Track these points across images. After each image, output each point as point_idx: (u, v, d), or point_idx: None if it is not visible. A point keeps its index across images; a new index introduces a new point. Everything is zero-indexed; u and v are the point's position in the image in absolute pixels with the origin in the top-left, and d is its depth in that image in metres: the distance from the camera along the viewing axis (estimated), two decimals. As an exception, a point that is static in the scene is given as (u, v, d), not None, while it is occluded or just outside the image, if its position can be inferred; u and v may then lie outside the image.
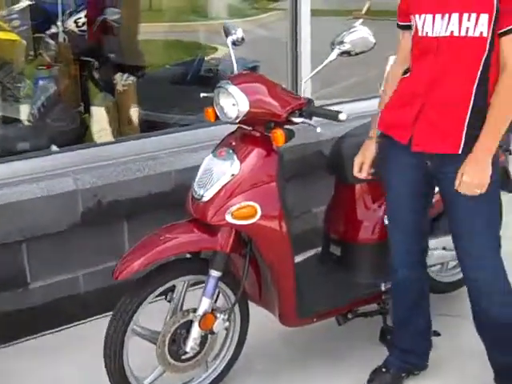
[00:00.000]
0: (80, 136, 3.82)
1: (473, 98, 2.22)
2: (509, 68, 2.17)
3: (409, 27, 2.38)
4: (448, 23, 2.20)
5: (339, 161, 2.83)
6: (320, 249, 3.10)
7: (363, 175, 2.58)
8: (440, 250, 2.98)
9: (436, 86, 2.27)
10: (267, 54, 4.78)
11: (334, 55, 2.27)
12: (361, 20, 6.79)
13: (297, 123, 2.37)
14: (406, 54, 2.43)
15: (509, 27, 2.14)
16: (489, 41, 2.17)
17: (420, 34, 2.29)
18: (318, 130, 2.28)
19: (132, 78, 3.75)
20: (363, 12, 7.66)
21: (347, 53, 2.27)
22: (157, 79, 4.65)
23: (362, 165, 2.57)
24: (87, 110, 4.11)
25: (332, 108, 2.90)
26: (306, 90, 2.54)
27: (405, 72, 2.44)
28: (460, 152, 2.26)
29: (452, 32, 2.20)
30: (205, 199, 2.39)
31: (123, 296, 2.39)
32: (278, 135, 2.32)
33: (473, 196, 2.25)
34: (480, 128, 2.23)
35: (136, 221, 3.22)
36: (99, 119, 3.71)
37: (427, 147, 2.32)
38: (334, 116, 2.29)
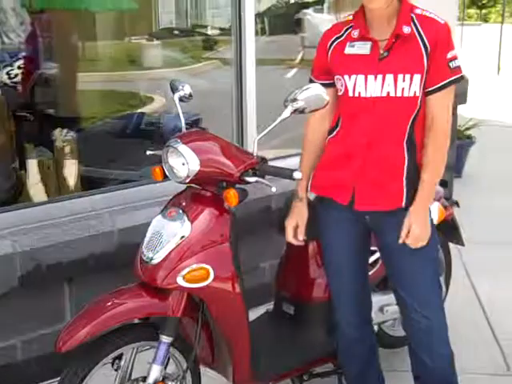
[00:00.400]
0: (16, 195, 3.65)
1: (406, 153, 2.30)
2: (438, 124, 2.28)
3: (327, 85, 2.36)
4: (383, 84, 2.25)
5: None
6: (271, 306, 3.02)
7: (300, 239, 2.55)
8: (393, 305, 2.94)
9: (373, 144, 2.30)
10: (207, 105, 4.74)
11: (287, 113, 2.23)
12: (295, 69, 6.88)
13: (250, 182, 2.31)
14: (325, 111, 2.36)
15: (437, 85, 2.25)
16: (419, 99, 2.27)
17: (351, 94, 2.31)
18: (273, 189, 2.23)
19: (72, 134, 3.64)
20: (297, 61, 7.76)
21: (301, 110, 2.23)
22: (97, 133, 4.56)
23: (296, 229, 2.54)
24: (23, 167, 3.96)
25: (280, 163, 2.86)
26: (255, 146, 2.48)
27: (331, 131, 2.44)
28: (402, 206, 2.31)
29: (388, 93, 2.25)
30: (154, 262, 2.28)
31: (66, 368, 2.24)
32: (231, 195, 2.26)
33: (411, 248, 2.30)
34: (415, 182, 2.30)
35: (79, 284, 3.08)
36: (37, 177, 3.56)
37: (371, 206, 2.35)
38: (288, 175, 2.25)
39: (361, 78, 2.27)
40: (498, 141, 7.79)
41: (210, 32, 7.63)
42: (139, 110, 5.28)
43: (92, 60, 5.94)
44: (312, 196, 2.54)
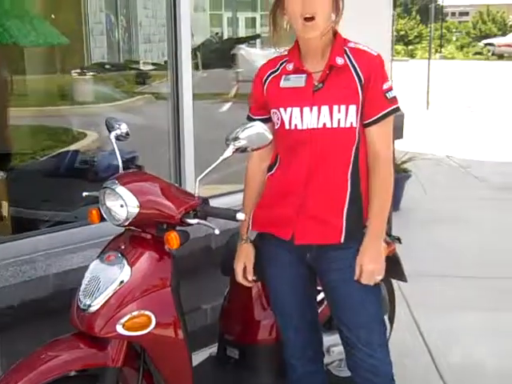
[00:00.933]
0: None
1: (349, 187, 2.29)
2: (382, 155, 2.29)
3: (265, 120, 2.34)
4: (318, 116, 2.24)
5: (233, 260, 2.69)
6: (215, 350, 2.93)
7: (250, 279, 2.51)
8: (340, 345, 2.89)
9: (313, 177, 2.29)
10: (141, 141, 4.65)
11: (229, 152, 2.18)
12: (230, 103, 6.88)
13: (192, 224, 2.23)
14: (264, 150, 2.35)
15: (375, 117, 2.26)
16: (357, 130, 2.26)
17: (287, 126, 2.29)
18: (217, 232, 2.16)
19: (1, 174, 3.48)
20: (232, 95, 7.77)
21: (243, 149, 2.18)
22: (29, 172, 4.39)
23: (244, 270, 2.50)
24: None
25: (221, 200, 2.80)
26: (197, 186, 2.40)
27: (270, 168, 2.42)
28: (342, 241, 2.30)
29: (324, 124, 2.24)
30: (92, 310, 2.17)
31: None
32: (172, 238, 2.17)
33: (355, 284, 2.30)
34: (359, 214, 2.31)
35: (10, 334, 2.90)
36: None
37: (310, 239, 2.33)
38: (231, 216, 2.19)
39: (296, 110, 2.26)
40: (433, 174, 7.95)
41: (142, 67, 7.58)
42: (72, 146, 5.15)
43: (22, 95, 5.80)
44: (253, 234, 2.49)
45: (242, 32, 8.22)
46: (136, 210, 2.17)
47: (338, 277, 2.36)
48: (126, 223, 2.22)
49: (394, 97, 2.29)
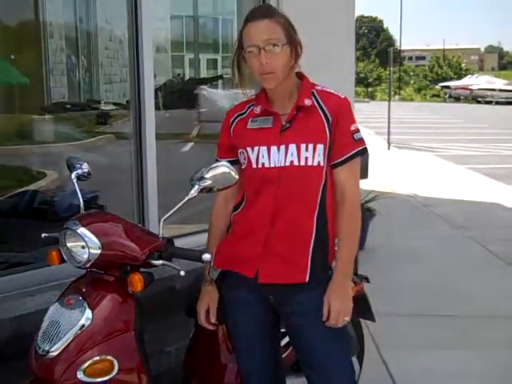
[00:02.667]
0: None
1: (315, 226, 2.28)
2: (349, 196, 2.28)
3: (234, 163, 2.33)
4: (286, 154, 2.24)
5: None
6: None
7: (213, 321, 2.45)
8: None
9: (279, 216, 2.27)
10: (102, 181, 4.59)
11: (194, 192, 2.14)
12: (192, 143, 6.86)
13: (156, 266, 2.17)
14: (230, 193, 2.37)
15: (342, 157, 2.27)
16: (324, 170, 2.27)
17: (254, 165, 2.29)
18: (182, 273, 2.11)
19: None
20: (193, 135, 7.78)
21: (209, 189, 2.14)
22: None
23: (207, 313, 2.44)
24: None
25: (183, 240, 2.75)
26: (161, 226, 2.34)
27: (236, 207, 2.40)
28: (306, 281, 2.26)
29: (292, 162, 2.24)
30: (51, 355, 2.10)
31: None
32: (136, 280, 2.11)
33: (320, 327, 2.26)
34: (324, 255, 2.30)
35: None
36: None
37: (274, 278, 2.29)
38: (196, 257, 2.15)
39: (263, 149, 2.27)
40: (396, 212, 8.02)
41: (103, 107, 7.54)
42: (31, 186, 5.04)
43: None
44: (215, 274, 2.44)
45: (204, 73, 8.27)
46: (98, 252, 2.12)
47: (302, 321, 2.31)
48: (88, 265, 2.16)
49: (361, 138, 2.30)
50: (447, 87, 43.74)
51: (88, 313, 2.12)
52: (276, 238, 2.27)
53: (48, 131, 6.40)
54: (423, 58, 71.84)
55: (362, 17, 71.04)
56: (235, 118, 2.40)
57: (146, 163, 3.58)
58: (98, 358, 2.10)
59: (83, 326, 2.10)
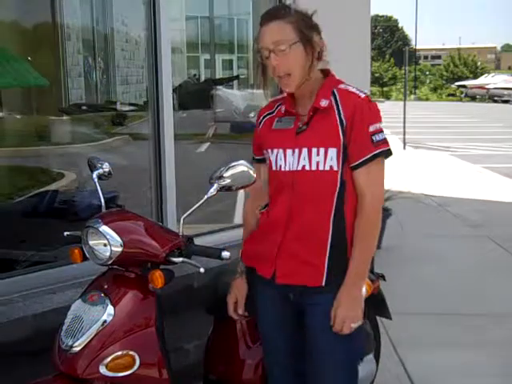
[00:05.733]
0: None
1: (331, 231, 2.24)
2: (367, 199, 2.22)
3: (263, 161, 2.41)
4: (299, 158, 2.24)
5: (218, 299, 2.68)
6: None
7: (240, 312, 2.49)
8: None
9: (294, 219, 2.27)
10: (121, 181, 4.64)
11: (213, 190, 2.18)
12: (208, 143, 6.89)
13: (176, 263, 2.22)
14: (261, 187, 2.42)
15: (360, 160, 2.21)
16: (340, 174, 2.22)
17: (274, 167, 2.32)
18: (202, 270, 2.16)
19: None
20: (209, 135, 7.83)
21: (227, 188, 2.18)
22: (7, 212, 4.34)
23: (235, 304, 2.49)
24: None
25: (202, 239, 2.79)
26: (181, 225, 2.38)
27: (265, 206, 2.43)
28: (323, 284, 2.25)
29: (304, 166, 2.24)
30: (74, 350, 2.14)
31: None
32: (157, 277, 2.16)
33: (328, 333, 2.22)
34: (342, 259, 2.25)
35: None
36: None
37: (291, 279, 2.30)
38: (216, 254, 2.19)
39: (280, 151, 2.29)
40: (412, 212, 8.02)
41: (120, 107, 7.60)
42: (49, 186, 5.11)
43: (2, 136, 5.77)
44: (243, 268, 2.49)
45: (220, 73, 8.31)
46: (120, 249, 2.16)
47: (316, 322, 2.30)
48: (110, 262, 2.20)
49: (382, 139, 2.23)
50: (463, 86, 43.47)
51: (110, 309, 2.17)
52: (292, 240, 2.28)
53: (65, 132, 6.47)
54: (439, 57, 71.48)
55: (377, 16, 70.82)
56: (264, 117, 2.42)
57: (164, 164, 3.62)
58: (119, 353, 2.15)
59: (105, 321, 2.15)
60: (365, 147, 2.20)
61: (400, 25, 73.88)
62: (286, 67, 2.21)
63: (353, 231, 2.25)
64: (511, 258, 6.44)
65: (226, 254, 2.18)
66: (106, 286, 2.24)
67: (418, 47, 56.44)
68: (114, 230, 2.17)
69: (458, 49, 61.49)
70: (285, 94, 2.37)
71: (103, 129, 7.08)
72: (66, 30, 6.43)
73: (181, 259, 2.22)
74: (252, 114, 6.03)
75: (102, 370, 2.13)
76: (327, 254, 2.25)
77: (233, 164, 2.19)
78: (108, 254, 2.18)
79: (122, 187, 4.44)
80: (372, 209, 2.24)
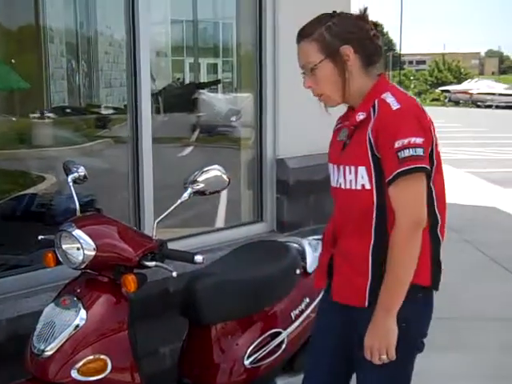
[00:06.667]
0: None
1: (371, 251, 2.11)
2: (398, 223, 2.03)
3: None
4: (338, 174, 2.18)
5: (192, 301, 2.68)
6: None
7: None
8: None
9: (339, 236, 2.23)
10: (101, 185, 4.64)
11: (186, 195, 2.20)
12: (191, 147, 6.90)
13: (149, 267, 2.22)
14: None
15: (388, 178, 2.03)
16: (375, 193, 2.07)
17: (330, 182, 2.27)
18: (174, 274, 2.17)
19: None
20: (193, 139, 7.82)
21: (201, 192, 2.20)
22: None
23: None
24: None
25: (178, 243, 2.80)
26: (155, 229, 2.38)
27: None
28: (366, 305, 2.11)
29: (340, 184, 2.17)
30: (46, 355, 2.16)
31: None
32: (130, 281, 2.18)
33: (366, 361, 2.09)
34: None
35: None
36: None
37: (339, 297, 2.21)
38: (189, 258, 2.20)
39: (331, 166, 2.23)
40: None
41: (103, 111, 7.58)
42: (30, 190, 5.08)
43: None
44: None
45: (204, 77, 8.30)
46: (92, 253, 2.17)
47: (358, 344, 2.14)
48: (83, 266, 2.22)
49: (410, 156, 1.98)
50: (447, 91, 43.73)
51: (82, 313, 2.18)
52: (337, 256, 2.23)
53: (47, 135, 6.44)
54: (424, 62, 71.88)
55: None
56: (336, 126, 2.32)
57: (142, 167, 3.61)
58: (91, 357, 2.16)
59: (78, 325, 2.16)
60: (390, 165, 2.01)
61: (385, 30, 74.41)
62: (318, 88, 2.15)
63: None
64: (490, 263, 6.49)
65: (198, 257, 2.19)
66: (78, 290, 2.25)
67: (402, 52, 56.78)
68: (87, 234, 2.18)
69: (443, 54, 61.87)
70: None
71: (86, 132, 7.06)
72: (49, 32, 6.42)
73: (154, 263, 2.23)
74: (233, 118, 6.04)
75: (74, 374, 2.15)
76: (369, 274, 2.11)
77: (206, 169, 2.21)
78: (81, 257, 2.19)
79: (103, 191, 4.43)
80: (403, 233, 2.02)
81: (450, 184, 10.26)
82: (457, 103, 41.74)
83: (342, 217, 2.21)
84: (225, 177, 2.20)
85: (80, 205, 2.49)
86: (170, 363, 3.01)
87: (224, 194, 5.03)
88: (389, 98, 2.07)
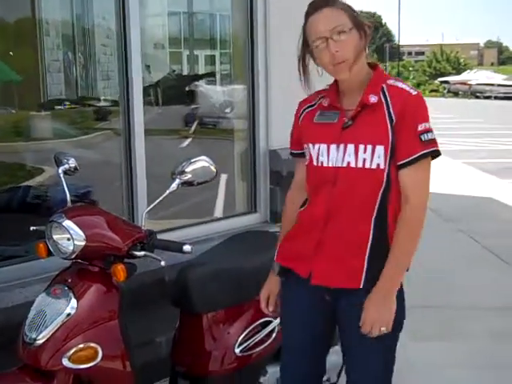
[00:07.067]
0: None
1: (372, 232, 2.16)
2: (411, 201, 2.11)
3: (302, 155, 2.33)
4: (344, 154, 2.15)
5: (184, 291, 2.72)
6: (167, 383, 2.92)
7: (270, 309, 2.46)
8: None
9: (333, 217, 2.19)
10: (98, 177, 4.67)
11: (174, 186, 2.23)
12: (190, 139, 6.92)
13: (138, 257, 2.26)
14: (302, 182, 2.35)
15: (406, 159, 2.10)
16: (386, 173, 2.13)
17: (315, 163, 2.23)
18: (163, 263, 2.20)
19: None
20: (191, 131, 7.84)
21: (189, 183, 2.23)
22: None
23: (268, 299, 2.45)
24: None
25: (169, 235, 2.83)
26: (143, 219, 2.42)
27: (304, 203, 2.35)
28: (361, 286, 2.17)
29: (349, 163, 2.15)
30: (38, 343, 2.18)
31: None
32: (119, 270, 2.20)
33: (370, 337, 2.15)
34: (382, 260, 2.14)
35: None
36: None
37: (327, 281, 2.22)
38: (177, 248, 2.23)
39: (323, 146, 2.19)
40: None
41: (100, 103, 7.59)
42: (28, 182, 5.11)
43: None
44: (276, 267, 2.43)
45: (202, 69, 8.31)
46: (82, 243, 2.20)
47: (351, 323, 2.21)
48: (73, 256, 2.24)
49: (432, 139, 2.11)
50: (446, 82, 43.74)
51: (73, 302, 2.20)
52: (330, 239, 2.20)
53: (44, 128, 6.47)
54: (422, 53, 71.82)
55: (361, 12, 70.79)
56: (304, 110, 2.33)
57: (135, 159, 3.65)
58: (82, 345, 2.19)
59: (69, 314, 2.19)
60: (413, 146, 2.10)
61: (384, 21, 74.27)
62: (344, 54, 2.11)
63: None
64: (485, 252, 6.53)
65: (187, 247, 2.22)
66: (69, 280, 2.28)
67: (402, 43, 56.69)
68: (77, 225, 2.21)
69: (441, 45, 61.76)
70: (327, 87, 2.31)
71: (84, 124, 7.08)
72: (44, 25, 6.43)
73: (143, 253, 2.26)
74: (228, 110, 6.06)
75: (65, 362, 2.17)
76: (367, 255, 2.15)
77: (194, 160, 2.24)
78: (71, 248, 2.21)
79: (99, 182, 4.47)
80: (416, 212, 2.13)
81: (447, 175, 10.31)
82: (456, 94, 41.74)
83: (341, 196, 2.17)
84: (212, 167, 2.22)
85: (77, 196, 2.52)
86: (167, 353, 3.05)
87: (219, 186, 5.08)
88: (401, 84, 2.18)
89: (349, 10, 2.16)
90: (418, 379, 3.80)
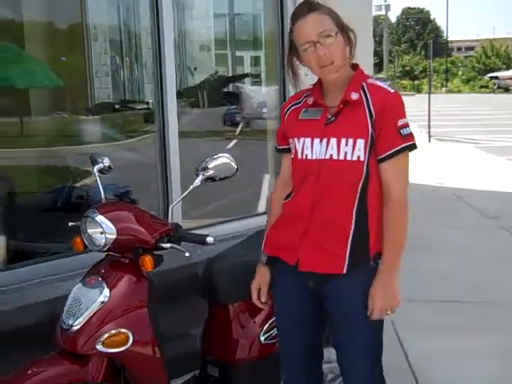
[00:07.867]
0: None
1: (354, 221, 2.31)
2: (393, 196, 2.29)
3: (288, 150, 2.46)
4: (327, 147, 2.30)
5: (211, 283, 2.86)
6: (198, 371, 3.07)
7: (263, 300, 2.55)
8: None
9: (318, 207, 2.33)
10: (140, 178, 4.86)
11: (198, 181, 2.38)
12: (235, 140, 7.00)
13: (165, 249, 2.41)
14: (287, 177, 2.49)
15: (388, 152, 2.27)
16: (365, 165, 2.28)
17: (299, 156, 2.36)
18: (187, 254, 2.35)
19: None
20: (237, 133, 7.96)
21: (211, 178, 2.37)
22: (26, 207, 4.58)
23: (259, 291, 2.54)
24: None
25: (203, 231, 2.97)
26: (175, 213, 2.58)
27: (288, 195, 2.48)
28: (344, 272, 2.32)
29: (331, 155, 2.29)
30: (74, 329, 2.35)
31: None
32: (147, 261, 2.36)
33: (355, 319, 2.34)
34: (364, 247, 2.32)
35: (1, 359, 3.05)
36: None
37: (313, 267, 2.36)
38: (201, 240, 2.37)
39: (308, 140, 2.34)
40: (429, 203, 8.09)
41: (148, 106, 7.77)
42: (78, 184, 5.32)
43: (28, 135, 5.99)
44: (264, 257, 2.55)
45: (248, 70, 8.39)
46: (114, 236, 2.37)
47: (336, 307, 2.38)
48: (105, 248, 2.41)
49: (409, 133, 2.29)
50: (496, 78, 42.92)
51: (106, 291, 2.37)
52: (314, 228, 2.34)
53: (92, 132, 6.68)
54: (472, 48, 70.55)
55: (409, 8, 70.21)
56: (290, 107, 2.47)
57: (169, 159, 3.79)
58: (114, 331, 2.35)
59: (102, 302, 2.35)
60: (394, 140, 2.27)
61: (432, 17, 73.16)
62: (331, 56, 2.25)
63: (375, 221, 2.32)
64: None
65: (210, 239, 2.36)
66: (103, 271, 2.45)
67: (451, 39, 55.80)
68: (109, 219, 2.37)
69: (492, 39, 60.57)
70: (311, 87, 2.45)
71: (129, 128, 7.27)
72: (92, 30, 6.64)
73: (169, 245, 2.41)
74: (265, 110, 6.17)
75: (99, 346, 2.33)
76: (349, 243, 2.31)
77: (216, 156, 2.38)
78: (103, 241, 2.38)
79: (142, 183, 4.66)
80: (399, 204, 2.30)
81: (491, 172, 10.20)
82: (506, 90, 40.88)
83: (324, 188, 2.32)
84: (233, 164, 2.36)
85: (116, 195, 2.67)
86: (199, 344, 3.19)
87: (262, 184, 5.24)
88: (379, 83, 2.35)
89: (333, 14, 2.31)
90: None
